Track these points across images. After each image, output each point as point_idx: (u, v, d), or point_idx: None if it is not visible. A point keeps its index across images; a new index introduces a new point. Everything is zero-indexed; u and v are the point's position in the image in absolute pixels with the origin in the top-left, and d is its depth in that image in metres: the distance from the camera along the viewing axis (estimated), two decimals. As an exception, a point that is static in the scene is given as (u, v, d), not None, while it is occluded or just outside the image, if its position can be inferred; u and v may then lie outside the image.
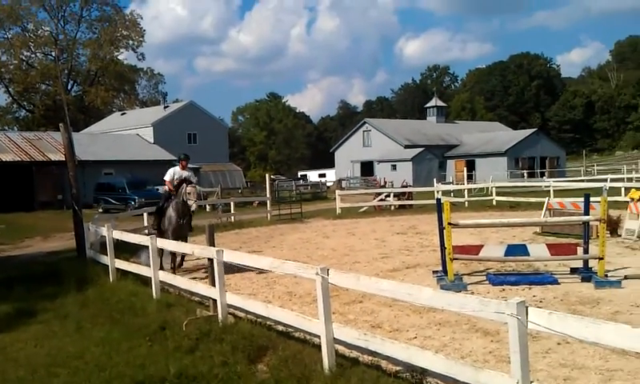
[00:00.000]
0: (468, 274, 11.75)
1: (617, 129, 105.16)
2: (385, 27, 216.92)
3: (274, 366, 6.53)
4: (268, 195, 30.13)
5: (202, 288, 9.38)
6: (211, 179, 53.09)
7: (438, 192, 30.33)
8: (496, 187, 32.57)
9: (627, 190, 22.50)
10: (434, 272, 11.77)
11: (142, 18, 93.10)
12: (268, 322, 7.98)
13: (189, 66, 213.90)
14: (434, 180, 37.70)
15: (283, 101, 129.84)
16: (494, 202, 30.32)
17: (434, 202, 22.47)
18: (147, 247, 10.99)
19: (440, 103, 78.72)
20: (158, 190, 32.29)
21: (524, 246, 11.78)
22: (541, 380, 5.91)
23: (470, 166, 61.83)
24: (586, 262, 11.24)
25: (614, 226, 16.87)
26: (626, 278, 10.85)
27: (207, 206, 31.59)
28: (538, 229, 17.74)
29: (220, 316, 8.29)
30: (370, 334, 6.40)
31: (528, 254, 11.30)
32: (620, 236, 16.47)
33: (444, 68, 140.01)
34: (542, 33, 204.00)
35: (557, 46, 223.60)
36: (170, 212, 13.27)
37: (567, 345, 6.89)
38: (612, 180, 34.71)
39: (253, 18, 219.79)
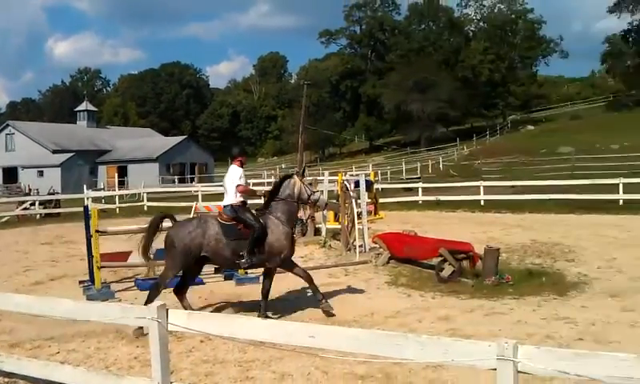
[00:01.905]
0: (117, 282, 11.55)
1: (259, 137, 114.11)
2: (32, 24, 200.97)
3: None
4: None
5: None
6: None
7: (88, 199, 29.14)
8: (147, 193, 32.68)
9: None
10: (81, 282, 11.29)
11: None
12: None
13: None
14: (85, 187, 36.21)
15: None
16: (146, 208, 30.36)
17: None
18: None
19: (91, 107, 75.77)
20: None
21: (172, 249, 12.00)
22: (184, 378, 6.10)
23: (123, 172, 60.91)
24: (229, 261, 11.92)
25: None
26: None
27: None
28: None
29: None
30: (6, 354, 5.84)
31: (176, 257, 11.54)
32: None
33: (95, 71, 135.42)
34: (194, 43, 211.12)
35: (207, 58, 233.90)
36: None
37: (209, 342, 7.22)
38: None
39: None
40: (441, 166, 49.19)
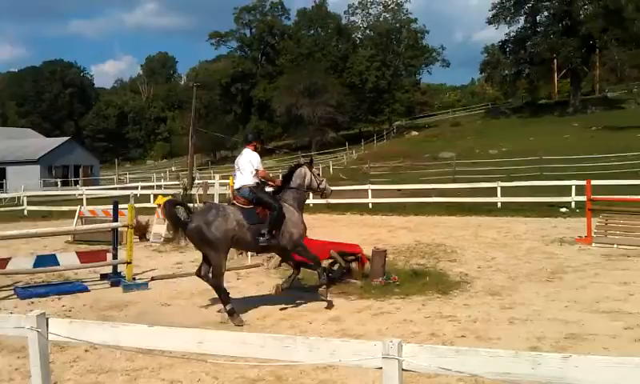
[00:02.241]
0: (-7, 291, 10.87)
1: (148, 139, 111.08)
2: None
3: None
4: None
5: None
6: None
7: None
8: (28, 196, 31.00)
9: (155, 196, 23.99)
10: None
11: None
12: None
13: None
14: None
15: None
16: (26, 212, 28.83)
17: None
18: None
19: (-38, 105, 70.94)
20: None
21: (54, 256, 11.51)
22: (66, 390, 5.84)
23: (1, 175, 57.42)
24: (115, 267, 11.56)
25: (143, 231, 17.78)
26: (152, 279, 11.55)
27: None
28: (70, 237, 17.48)
29: None
30: None
31: (58, 264, 11.08)
32: (149, 240, 17.45)
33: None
34: (77, 41, 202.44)
35: (92, 56, 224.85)
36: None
37: (95, 351, 6.93)
38: (142, 187, 36.60)
39: None
40: (331, 169, 49.96)
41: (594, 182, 17.30)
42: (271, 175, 10.45)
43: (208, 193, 17.52)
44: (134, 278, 11.18)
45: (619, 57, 58.08)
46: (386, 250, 11.35)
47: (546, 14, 73.77)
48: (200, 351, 3.72)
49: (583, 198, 17.13)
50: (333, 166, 52.09)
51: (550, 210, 21.88)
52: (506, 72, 76.04)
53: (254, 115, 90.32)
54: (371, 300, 9.61)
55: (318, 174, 10.15)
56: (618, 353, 6.51)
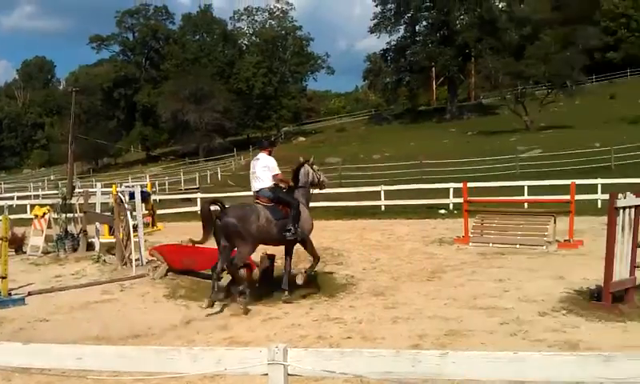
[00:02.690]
0: None
1: (24, 147, 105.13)
2: None
3: None
4: None
5: None
6: None
7: None
8: None
9: (32, 206, 22.74)
10: None
11: None
12: None
13: None
14: None
15: None
16: None
17: None
18: None
19: None
20: None
21: None
22: None
23: None
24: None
25: (19, 244, 16.79)
26: (29, 294, 10.95)
27: None
28: None
29: None
30: None
31: None
32: (25, 253, 16.50)
33: None
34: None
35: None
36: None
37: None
38: (19, 197, 34.65)
39: None
40: (219, 176, 49.44)
41: (470, 185, 18.27)
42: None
43: (89, 202, 16.85)
44: (9, 294, 10.53)
45: (493, 65, 61.36)
46: (274, 256, 11.39)
47: (424, 23, 76.85)
48: (80, 367, 3.58)
49: (460, 200, 18.01)
50: (221, 172, 51.56)
51: (430, 212, 22.81)
52: (388, 80, 78.38)
53: (139, 121, 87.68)
54: (260, 306, 9.62)
55: (318, 169, 11.18)
56: (494, 347, 6.90)
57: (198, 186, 41.83)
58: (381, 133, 67.65)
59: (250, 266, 11.26)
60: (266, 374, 3.10)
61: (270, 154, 10.50)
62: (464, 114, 73.12)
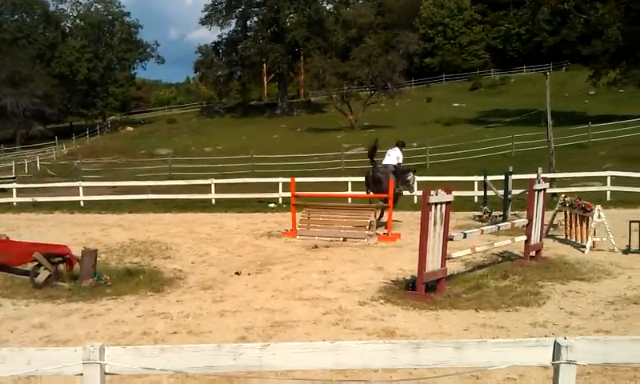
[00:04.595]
0: None
1: None
2: None
3: None
4: None
5: None
6: None
7: None
8: None
9: None
10: None
11: None
12: None
13: None
14: None
15: None
16: None
17: None
18: None
19: None
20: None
21: None
22: None
23: None
24: None
25: None
26: None
27: None
28: None
29: None
30: None
31: None
32: None
33: None
34: None
35: None
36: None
37: None
38: None
39: None
40: (38, 165, 46.16)
41: (298, 180, 18.70)
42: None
43: None
44: None
45: (321, 64, 63.33)
46: (96, 250, 10.89)
47: (255, 19, 77.39)
48: None
49: (289, 194, 18.38)
50: (40, 161, 48.15)
51: (260, 206, 23.07)
52: (220, 73, 77.96)
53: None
54: (80, 303, 9.15)
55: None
56: (318, 337, 7.17)
57: (14, 176, 38.70)
58: (212, 126, 67.17)
59: (70, 260, 10.69)
60: (82, 374, 2.98)
61: (400, 149, 17.76)
62: (294, 110, 74.75)
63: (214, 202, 24.39)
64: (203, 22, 77.04)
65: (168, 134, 62.30)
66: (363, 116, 59.42)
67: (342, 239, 14.71)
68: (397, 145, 17.74)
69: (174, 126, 69.71)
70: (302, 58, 77.44)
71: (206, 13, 76.34)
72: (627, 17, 46.69)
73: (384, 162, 17.03)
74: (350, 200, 21.63)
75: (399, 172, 16.88)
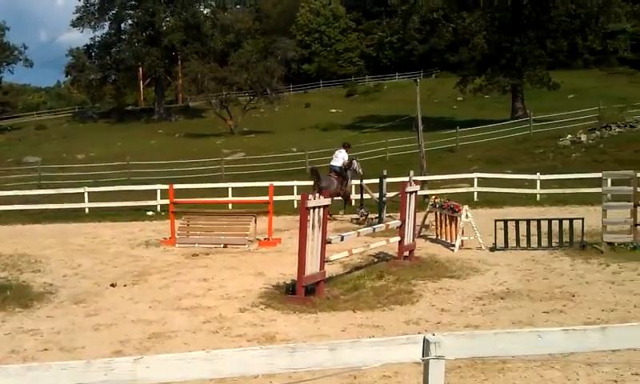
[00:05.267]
0: None
1: None
2: None
3: None
4: None
5: None
6: None
7: None
8: None
9: None
10: None
11: None
12: None
13: None
14: None
15: None
16: None
17: None
18: None
19: None
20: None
21: None
22: None
23: None
24: None
25: None
26: None
27: None
28: None
29: None
30: None
31: None
32: None
33: None
34: None
35: None
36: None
37: None
38: None
39: None
40: None
41: (176, 186, 18.42)
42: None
43: None
44: None
45: (199, 69, 62.43)
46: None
47: (130, 22, 75.01)
48: None
49: (167, 202, 18.02)
50: None
51: (137, 214, 22.43)
52: (93, 76, 74.85)
53: None
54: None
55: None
56: (197, 346, 7.09)
57: None
58: (85, 131, 64.41)
59: None
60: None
61: (346, 150, 19.32)
62: (172, 115, 73.21)
63: (87, 211, 23.44)
64: (75, 24, 73.66)
65: (37, 141, 59.02)
66: (243, 121, 59.31)
67: (222, 246, 14.63)
68: (343, 146, 19.31)
69: (43, 132, 66.17)
70: (179, 62, 75.97)
71: (78, 15, 73.08)
72: (492, 26, 49.67)
73: (331, 163, 18.85)
74: (230, 206, 21.52)
75: (345, 169, 18.48)
